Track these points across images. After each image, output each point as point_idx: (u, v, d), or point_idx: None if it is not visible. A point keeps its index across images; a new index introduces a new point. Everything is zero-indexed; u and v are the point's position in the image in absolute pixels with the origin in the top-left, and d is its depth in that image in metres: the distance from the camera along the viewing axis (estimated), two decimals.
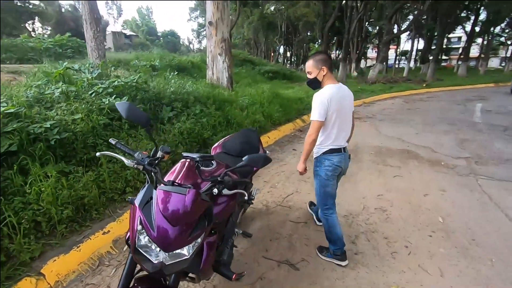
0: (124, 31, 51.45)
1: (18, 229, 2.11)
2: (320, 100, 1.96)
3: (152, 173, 1.34)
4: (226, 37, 7.22)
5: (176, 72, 8.47)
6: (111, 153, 1.41)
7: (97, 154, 1.40)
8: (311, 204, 3.05)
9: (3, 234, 2.04)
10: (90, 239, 2.33)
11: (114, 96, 3.29)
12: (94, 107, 3.13)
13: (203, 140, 4.02)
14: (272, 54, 33.67)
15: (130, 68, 6.66)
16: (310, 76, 2.06)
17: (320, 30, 15.61)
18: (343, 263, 2.20)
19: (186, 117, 4.01)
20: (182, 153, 1.49)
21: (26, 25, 27.06)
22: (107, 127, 3.16)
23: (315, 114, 1.98)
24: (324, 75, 2.01)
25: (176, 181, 1.54)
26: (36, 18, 27.67)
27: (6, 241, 2.03)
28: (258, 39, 33.06)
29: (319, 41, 20.40)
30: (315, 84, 2.08)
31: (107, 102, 3.16)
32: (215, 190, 1.44)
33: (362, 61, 35.70)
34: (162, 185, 1.28)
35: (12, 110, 2.60)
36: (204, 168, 1.69)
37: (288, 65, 36.84)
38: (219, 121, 4.47)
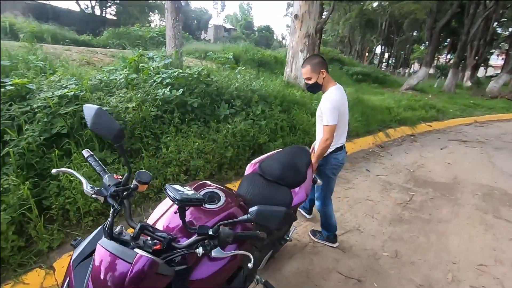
0: (224, 25, 55.17)
1: (43, 214, 2.08)
2: (334, 104, 1.99)
3: (114, 211, 0.95)
4: (311, 33, 6.59)
5: (257, 67, 8.33)
6: (70, 171, 1.08)
7: (53, 171, 1.08)
8: (314, 233, 2.59)
9: (28, 217, 2.02)
10: None
11: (170, 87, 3.14)
12: (149, 97, 3.03)
13: (259, 146, 3.59)
14: (367, 54, 30.86)
15: (206, 59, 6.69)
16: (310, 82, 2.04)
17: (429, 29, 13.19)
18: (335, 245, 2.47)
19: (244, 117, 3.63)
20: (165, 185, 1.05)
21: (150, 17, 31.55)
22: (158, 119, 3.03)
23: (331, 119, 1.99)
24: (324, 78, 2.02)
25: (157, 224, 1.13)
26: (156, 10, 31.87)
27: (31, 225, 2.01)
28: (353, 37, 30.71)
29: (426, 42, 17.44)
30: (316, 89, 2.08)
31: (161, 93, 3.02)
32: (199, 251, 0.96)
33: (481, 69, 29.44)
34: (105, 238, 0.87)
35: (72, 93, 2.66)
36: (205, 205, 1.22)
37: (384, 67, 33.21)
38: (281, 126, 3.96)
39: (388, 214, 3.08)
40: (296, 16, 6.56)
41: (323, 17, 11.58)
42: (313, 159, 2.10)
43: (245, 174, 1.92)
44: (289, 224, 1.39)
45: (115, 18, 24.33)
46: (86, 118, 0.96)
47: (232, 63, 6.82)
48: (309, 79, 2.03)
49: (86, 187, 1.00)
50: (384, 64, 34.63)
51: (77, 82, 3.00)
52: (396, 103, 7.63)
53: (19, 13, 12.97)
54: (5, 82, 2.59)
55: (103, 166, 1.10)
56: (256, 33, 56.47)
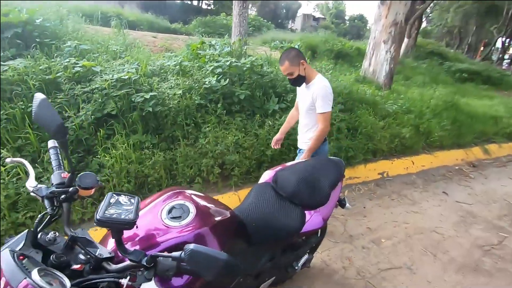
0: (314, 14, 53.38)
1: None
2: (329, 90, 1.96)
3: (44, 215, 0.85)
4: (399, 20, 5.63)
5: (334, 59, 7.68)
6: (22, 161, 1.01)
7: (7, 160, 1.03)
8: None
9: None
10: None
11: (219, 76, 3.05)
12: (196, 85, 3.01)
13: None
14: (482, 48, 25.42)
15: (271, 48, 6.43)
16: (292, 77, 1.98)
17: None
18: None
19: None
20: (108, 193, 0.89)
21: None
22: (203, 108, 2.98)
23: (327, 105, 1.95)
24: (305, 69, 1.97)
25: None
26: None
27: None
28: (466, 27, 25.67)
29: None
30: (301, 81, 2.03)
31: (207, 82, 2.96)
32: (124, 281, 0.78)
33: None
34: (7, 249, 0.76)
35: (127, 77, 2.81)
36: (170, 219, 1.03)
37: (506, 65, 26.96)
38: (339, 127, 3.48)
39: (459, 257, 2.38)
40: (382, 2, 5.68)
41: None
42: (306, 153, 2.04)
43: (258, 182, 1.66)
44: (234, 277, 1.11)
45: (209, 8, 26.09)
46: (32, 108, 0.87)
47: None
48: (291, 74, 1.96)
49: (30, 182, 0.93)
50: (507, 61, 28.06)
51: (137, 66, 3.18)
52: (509, 111, 5.99)
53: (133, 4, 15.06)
54: (77, 64, 2.91)
55: (61, 161, 1.01)
56: (347, 22, 52.90)
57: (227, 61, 3.28)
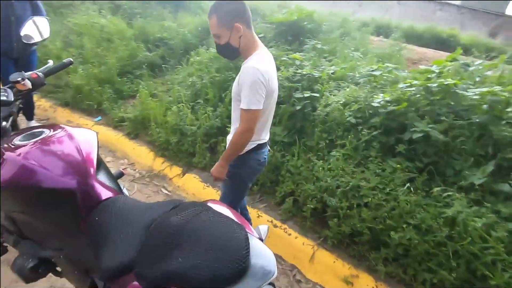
0: None
1: None
2: (257, 77, 1.27)
3: None
4: None
5: None
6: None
7: None
8: None
9: None
10: None
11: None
12: (362, 100, 2.26)
13: None
14: None
15: None
16: (219, 41, 1.37)
17: None
18: None
19: None
20: None
21: None
22: (346, 130, 2.25)
23: (255, 100, 1.29)
24: (241, 36, 1.32)
25: None
26: None
27: None
28: None
29: None
30: (231, 53, 1.42)
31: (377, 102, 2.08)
32: None
33: None
34: None
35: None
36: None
37: None
38: None
39: None
40: None
41: None
42: (220, 161, 1.46)
43: None
44: None
45: None
46: None
47: None
48: (217, 37, 1.35)
49: None
50: None
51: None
52: None
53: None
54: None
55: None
56: None
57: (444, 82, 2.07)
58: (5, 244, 1.31)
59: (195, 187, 2.55)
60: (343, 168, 2.09)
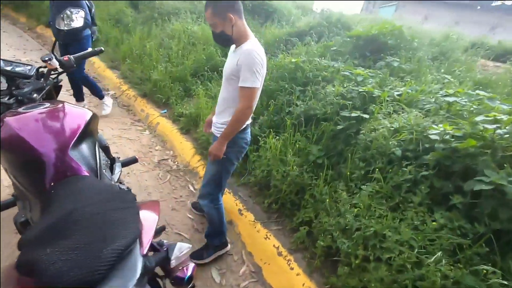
0: None
1: None
2: (259, 59, 1.45)
3: None
4: None
5: None
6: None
7: None
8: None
9: None
10: None
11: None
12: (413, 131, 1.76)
13: None
14: None
15: None
16: (214, 30, 1.51)
17: None
18: (228, 248, 1.99)
19: None
20: None
21: None
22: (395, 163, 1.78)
23: (255, 79, 1.45)
24: (233, 26, 1.47)
25: None
26: None
27: None
28: None
29: None
30: (226, 41, 1.56)
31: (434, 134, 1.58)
32: None
33: None
34: None
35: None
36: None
37: None
38: None
39: None
40: None
41: None
42: (220, 140, 1.57)
43: None
44: None
45: None
46: None
47: None
48: (213, 26, 1.50)
49: None
50: None
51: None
52: None
53: None
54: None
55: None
56: None
57: None
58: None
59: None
60: (371, 207, 1.68)
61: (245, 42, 1.52)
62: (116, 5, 6.33)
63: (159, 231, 1.56)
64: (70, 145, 1.17)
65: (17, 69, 1.35)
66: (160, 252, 0.89)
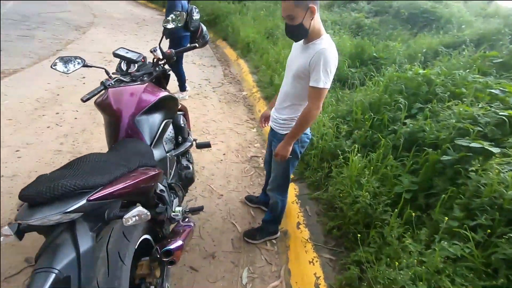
0: None
1: None
2: (333, 60, 1.40)
3: None
4: None
5: None
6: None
7: None
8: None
9: None
10: None
11: None
12: None
13: None
14: None
15: None
16: (292, 22, 1.38)
17: None
18: (278, 235, 2.09)
19: None
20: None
21: None
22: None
23: (327, 80, 1.40)
24: (312, 20, 1.38)
25: None
26: None
27: None
28: None
29: None
30: (300, 35, 1.44)
31: None
32: None
33: None
34: None
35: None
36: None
37: None
38: None
39: None
40: None
41: None
42: (287, 140, 1.55)
43: None
44: None
45: None
46: None
47: None
48: (291, 18, 1.36)
49: None
50: None
51: None
52: None
53: None
54: None
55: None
56: None
57: None
58: None
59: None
60: (444, 272, 1.15)
61: (318, 39, 1.43)
62: (274, 21, 7.15)
63: (195, 209, 1.69)
64: (138, 114, 1.46)
65: (128, 55, 1.80)
66: (122, 209, 0.97)
